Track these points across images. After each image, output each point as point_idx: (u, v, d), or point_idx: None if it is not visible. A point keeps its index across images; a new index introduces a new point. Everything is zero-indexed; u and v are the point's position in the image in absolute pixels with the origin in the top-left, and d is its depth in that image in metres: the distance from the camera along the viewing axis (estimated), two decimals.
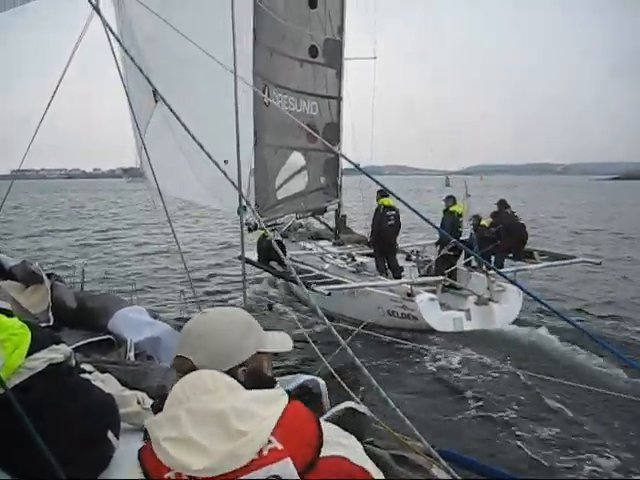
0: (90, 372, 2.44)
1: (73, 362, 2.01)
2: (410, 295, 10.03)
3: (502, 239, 12.02)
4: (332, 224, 14.86)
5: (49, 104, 4.30)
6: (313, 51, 12.66)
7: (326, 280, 10.10)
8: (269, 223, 12.49)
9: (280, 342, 1.68)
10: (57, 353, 1.90)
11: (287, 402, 1.31)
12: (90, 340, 3.47)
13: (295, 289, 13.05)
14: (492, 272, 10.85)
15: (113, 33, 3.62)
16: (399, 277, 11.54)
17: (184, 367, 1.44)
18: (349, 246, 13.77)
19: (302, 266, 11.74)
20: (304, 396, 2.73)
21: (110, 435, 1.95)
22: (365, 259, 12.44)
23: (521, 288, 8.06)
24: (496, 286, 10.80)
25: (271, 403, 1.29)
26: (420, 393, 7.65)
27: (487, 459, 5.43)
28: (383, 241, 11.90)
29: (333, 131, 13.53)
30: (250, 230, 11.85)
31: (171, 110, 3.08)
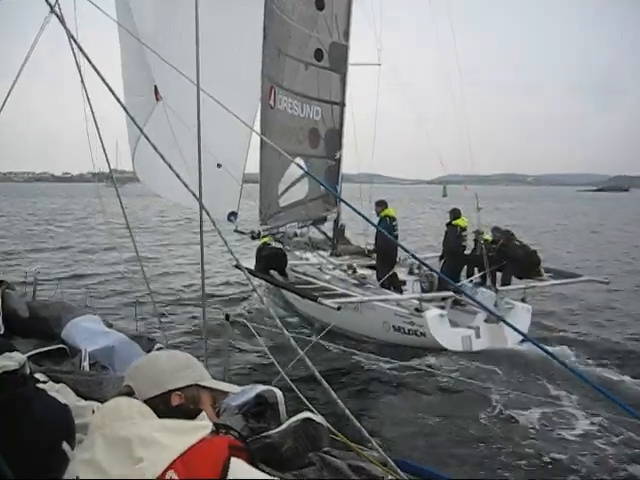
0: (44, 382, 2.40)
1: (27, 370, 1.98)
2: (419, 310, 9.59)
3: (511, 261, 11.52)
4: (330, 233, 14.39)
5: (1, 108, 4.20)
6: (318, 54, 12.37)
7: (332, 293, 9.75)
8: (273, 231, 12.25)
9: (224, 385, 1.78)
10: (10, 361, 1.86)
11: (202, 436, 1.35)
12: (43, 349, 3.39)
13: (289, 298, 12.58)
14: (501, 289, 10.66)
15: (72, 37, 3.56)
16: (400, 291, 11.19)
17: (126, 392, 1.56)
18: (347, 257, 13.38)
19: (304, 277, 11.53)
20: (260, 406, 2.74)
21: (65, 446, 1.92)
22: (366, 271, 12.06)
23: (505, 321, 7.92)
24: (504, 303, 10.51)
25: (182, 434, 1.34)
26: (378, 404, 7.64)
27: (444, 468, 5.49)
28: (390, 253, 11.55)
29: (334, 137, 13.25)
30: (253, 238, 11.67)
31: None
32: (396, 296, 10.36)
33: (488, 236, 11.74)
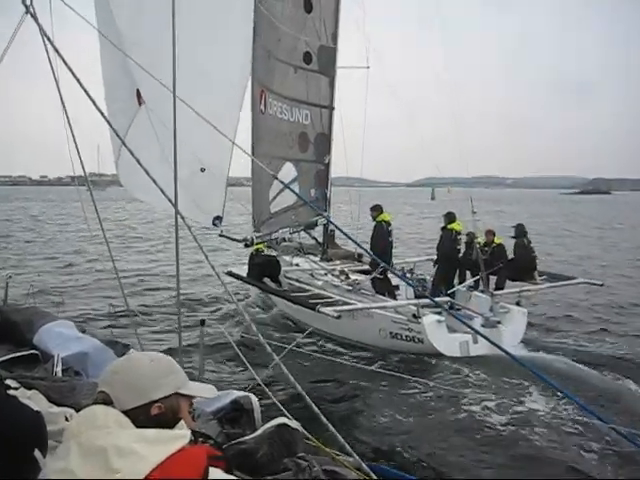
0: (15, 388, 2.37)
1: None
2: (416, 316, 9.40)
3: (509, 263, 11.57)
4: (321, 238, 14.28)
5: None
6: (307, 57, 12.26)
7: (328, 300, 9.59)
8: (265, 238, 12.05)
9: (203, 389, 1.75)
10: None
11: (181, 445, 1.33)
12: (14, 355, 3.35)
13: (283, 306, 12.36)
14: (496, 293, 10.59)
15: (46, 36, 3.53)
16: (394, 296, 11.07)
17: (102, 399, 1.49)
18: (337, 262, 13.24)
19: (297, 284, 11.42)
20: (236, 412, 2.73)
21: (37, 454, 1.90)
22: (358, 276, 11.89)
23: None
24: (500, 307, 10.42)
25: (160, 444, 1.31)
26: (355, 409, 7.51)
27: (419, 473, 5.51)
28: (386, 258, 11.15)
29: (324, 142, 13.13)
30: (247, 245, 11.55)
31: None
32: (394, 303, 10.19)
33: (481, 239, 11.59)
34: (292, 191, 10.76)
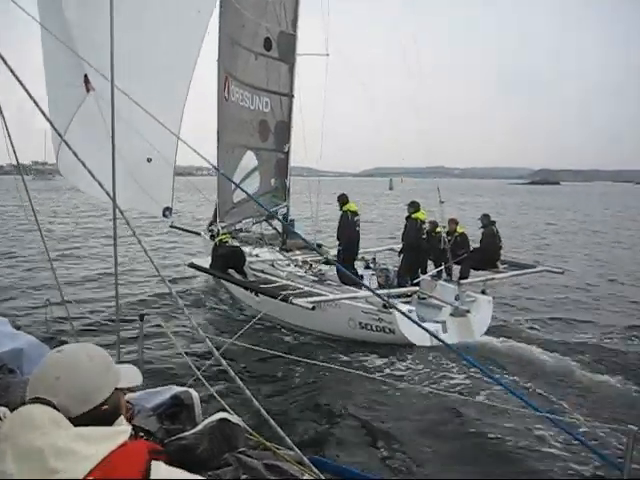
0: None
1: None
2: (386, 307, 9.32)
3: (474, 252, 11.74)
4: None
5: None
6: (267, 44, 12.11)
7: (298, 292, 9.35)
8: (230, 228, 11.94)
9: (132, 376, 1.73)
10: None
11: (122, 441, 1.32)
12: None
13: (240, 296, 12.22)
14: (462, 282, 10.74)
15: None
16: (360, 287, 10.74)
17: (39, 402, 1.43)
18: (297, 252, 13.10)
19: (263, 275, 11.24)
20: (176, 407, 2.71)
21: None
22: (322, 267, 11.88)
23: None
24: (466, 296, 10.58)
25: (100, 442, 1.30)
26: (297, 403, 7.52)
27: (363, 465, 5.56)
28: (352, 248, 11.41)
29: (284, 130, 13.01)
30: (213, 237, 11.55)
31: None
32: (364, 293, 10.06)
33: (440, 228, 11.62)
34: (242, 190, 10.63)
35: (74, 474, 1.20)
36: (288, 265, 12.14)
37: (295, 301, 8.56)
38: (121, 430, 1.39)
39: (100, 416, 1.49)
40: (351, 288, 10.28)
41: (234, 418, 2.53)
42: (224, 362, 2.67)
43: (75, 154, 3.10)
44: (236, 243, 12.13)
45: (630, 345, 10.11)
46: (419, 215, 11.37)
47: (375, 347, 9.43)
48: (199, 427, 2.44)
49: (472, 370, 8.13)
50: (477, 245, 12.20)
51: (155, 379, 7.08)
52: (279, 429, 2.53)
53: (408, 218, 11.54)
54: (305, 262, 12.02)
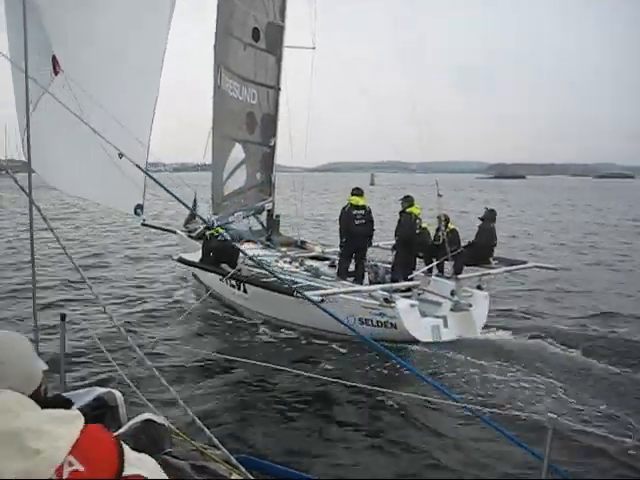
0: None
1: None
2: (388, 301, 9.21)
3: (468, 246, 11.58)
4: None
5: None
6: (256, 34, 11.86)
7: (299, 286, 9.20)
8: (223, 221, 11.58)
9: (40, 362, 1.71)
10: None
11: (82, 424, 1.31)
12: None
13: (224, 293, 11.84)
14: (460, 277, 10.65)
15: None
16: (361, 283, 10.71)
17: None
18: (283, 248, 12.77)
19: (258, 270, 10.79)
20: (99, 409, 2.63)
21: None
22: (314, 263, 11.69)
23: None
24: (463, 291, 10.51)
25: (67, 423, 1.30)
26: (226, 403, 7.40)
27: (295, 464, 5.55)
28: (352, 243, 10.88)
29: (270, 123, 12.74)
30: (207, 229, 11.20)
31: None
32: (367, 287, 9.90)
33: (425, 224, 11.33)
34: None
35: (57, 453, 1.20)
36: (277, 261, 11.87)
37: (303, 294, 8.05)
38: (75, 414, 1.37)
39: (42, 398, 1.47)
40: (349, 283, 10.18)
41: (159, 418, 2.47)
42: (149, 362, 2.61)
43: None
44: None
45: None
46: (413, 209, 11.10)
47: (324, 346, 9.37)
48: (123, 428, 2.39)
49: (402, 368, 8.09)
50: (470, 240, 12.16)
51: (78, 381, 6.87)
52: (206, 429, 2.49)
53: (402, 212, 11.27)
54: (295, 258, 11.86)
